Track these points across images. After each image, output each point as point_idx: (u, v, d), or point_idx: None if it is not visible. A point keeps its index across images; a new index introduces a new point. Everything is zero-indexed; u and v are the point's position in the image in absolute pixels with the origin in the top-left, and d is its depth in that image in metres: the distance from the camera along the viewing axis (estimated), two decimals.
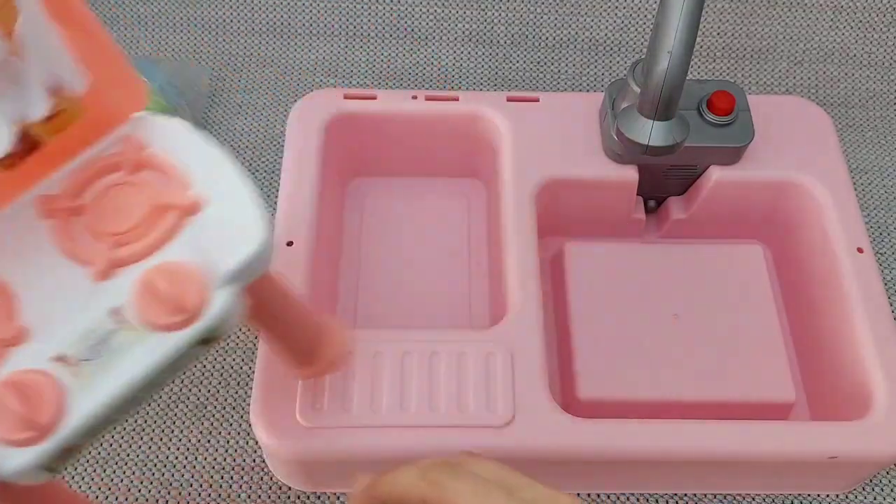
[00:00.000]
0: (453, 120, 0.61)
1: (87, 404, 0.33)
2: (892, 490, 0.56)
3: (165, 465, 0.55)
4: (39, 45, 0.33)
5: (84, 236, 0.36)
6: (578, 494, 0.54)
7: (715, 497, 0.55)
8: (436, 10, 0.75)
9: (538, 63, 0.74)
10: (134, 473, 0.54)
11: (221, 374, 0.58)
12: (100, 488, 0.54)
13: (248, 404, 0.56)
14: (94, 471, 0.54)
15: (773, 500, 0.55)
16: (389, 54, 0.74)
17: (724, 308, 0.59)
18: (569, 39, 0.75)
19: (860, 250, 0.55)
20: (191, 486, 0.54)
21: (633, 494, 0.55)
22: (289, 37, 0.75)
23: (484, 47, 0.75)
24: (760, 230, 0.63)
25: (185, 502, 0.53)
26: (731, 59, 0.75)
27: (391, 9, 0.75)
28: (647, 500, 0.54)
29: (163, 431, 0.56)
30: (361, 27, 0.75)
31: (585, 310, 0.58)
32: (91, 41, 0.35)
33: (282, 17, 0.75)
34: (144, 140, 0.38)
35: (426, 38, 0.75)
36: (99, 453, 0.55)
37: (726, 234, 0.63)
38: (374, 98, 0.61)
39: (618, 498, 0.54)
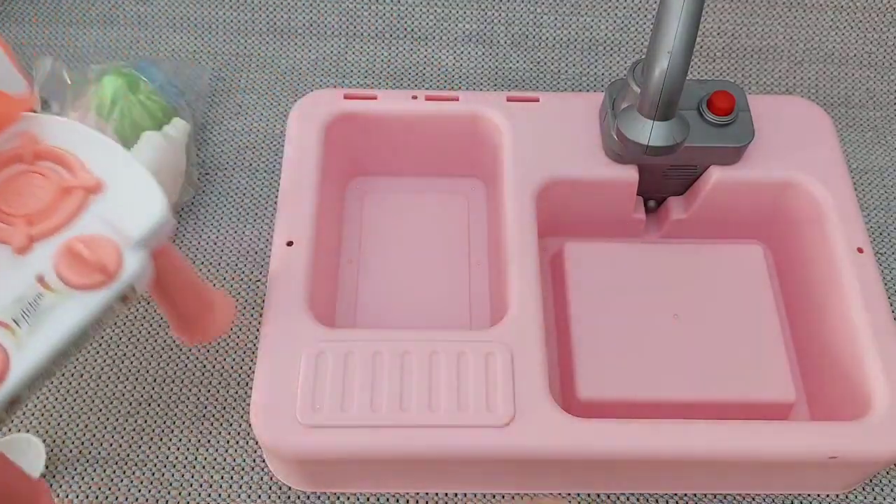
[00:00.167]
0: (453, 120, 0.61)
1: (26, 361, 0.38)
2: (892, 490, 0.56)
3: (165, 465, 0.55)
4: None
5: None
6: (578, 494, 0.54)
7: (715, 497, 0.55)
8: (436, 10, 0.75)
9: (538, 63, 0.74)
10: (134, 473, 0.54)
11: (221, 374, 0.58)
12: (100, 488, 0.54)
13: (248, 404, 0.56)
14: (94, 471, 0.54)
15: (773, 500, 0.55)
16: (389, 54, 0.74)
17: (724, 308, 0.59)
18: (569, 39, 0.75)
19: (860, 250, 0.55)
20: (191, 486, 0.54)
21: (633, 494, 0.55)
22: (289, 37, 0.75)
23: (484, 47, 0.75)
24: (760, 230, 0.63)
25: (185, 502, 0.53)
26: (732, 59, 0.75)
27: (391, 9, 0.75)
28: (647, 500, 0.54)
29: (163, 431, 0.56)
30: (361, 27, 0.75)
31: (585, 310, 0.58)
32: None
33: (282, 17, 0.75)
34: (39, 135, 0.43)
35: (426, 38, 0.75)
36: (99, 453, 0.55)
37: (726, 234, 0.63)
38: (374, 98, 0.61)
39: (618, 498, 0.54)
